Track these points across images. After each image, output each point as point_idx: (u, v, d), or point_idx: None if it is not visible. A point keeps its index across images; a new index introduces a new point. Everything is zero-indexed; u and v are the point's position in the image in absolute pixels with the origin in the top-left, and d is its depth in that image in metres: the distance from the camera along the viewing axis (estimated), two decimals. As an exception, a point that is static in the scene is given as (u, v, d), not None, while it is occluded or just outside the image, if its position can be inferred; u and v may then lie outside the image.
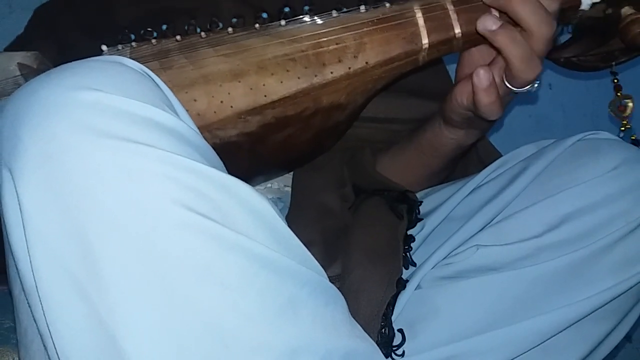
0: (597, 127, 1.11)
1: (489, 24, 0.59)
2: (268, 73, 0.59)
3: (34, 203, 0.42)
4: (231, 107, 0.58)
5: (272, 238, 0.46)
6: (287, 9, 0.61)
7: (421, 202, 0.69)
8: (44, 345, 0.46)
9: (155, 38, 0.61)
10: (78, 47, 0.76)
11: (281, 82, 0.59)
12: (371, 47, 0.60)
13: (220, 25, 0.61)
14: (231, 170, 0.46)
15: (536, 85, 0.62)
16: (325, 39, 0.60)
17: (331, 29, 0.60)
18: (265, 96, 0.59)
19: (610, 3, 0.62)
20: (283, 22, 0.60)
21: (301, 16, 0.60)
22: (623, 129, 0.67)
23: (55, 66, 0.47)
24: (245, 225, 0.44)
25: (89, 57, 0.48)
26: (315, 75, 0.59)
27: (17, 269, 0.45)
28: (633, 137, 0.68)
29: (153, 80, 0.48)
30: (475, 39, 0.61)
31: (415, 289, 0.62)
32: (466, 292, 0.60)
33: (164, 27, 0.62)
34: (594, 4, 0.62)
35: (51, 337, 0.43)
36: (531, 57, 0.59)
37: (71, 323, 0.43)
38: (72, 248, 0.42)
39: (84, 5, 0.82)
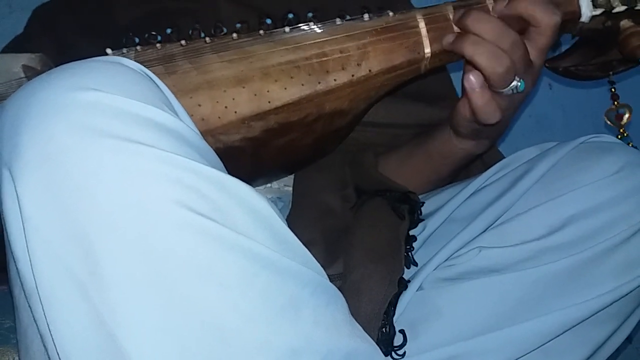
0: (597, 127, 1.11)
1: (447, 38, 0.61)
2: (272, 79, 0.59)
3: (33, 203, 0.42)
4: (235, 112, 0.59)
5: (273, 238, 0.46)
6: (291, 15, 0.61)
7: (423, 202, 0.69)
8: (44, 346, 0.45)
9: (159, 42, 0.61)
10: (77, 47, 0.76)
11: (285, 88, 0.59)
12: (374, 56, 0.60)
13: (225, 30, 0.61)
14: (233, 174, 0.46)
15: (519, 83, 0.61)
16: (329, 47, 0.60)
17: (335, 36, 0.60)
18: (269, 102, 0.59)
19: (609, 15, 0.63)
20: (287, 29, 0.61)
21: (305, 23, 0.61)
22: (620, 137, 0.68)
23: (55, 67, 0.47)
24: (246, 226, 0.44)
25: (89, 57, 0.48)
26: (319, 83, 0.60)
27: (17, 269, 0.45)
28: (630, 144, 0.68)
29: (153, 80, 0.48)
30: None
31: (417, 290, 0.62)
32: (468, 293, 0.61)
33: (169, 30, 0.62)
34: (593, 16, 0.62)
35: (52, 337, 0.43)
36: (493, 51, 0.58)
37: (72, 323, 0.43)
38: (72, 248, 0.42)
39: (83, 5, 0.82)
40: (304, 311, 0.46)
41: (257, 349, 0.43)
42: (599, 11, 0.62)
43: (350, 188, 0.71)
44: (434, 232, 0.68)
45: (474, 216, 0.64)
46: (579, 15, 0.62)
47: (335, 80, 0.60)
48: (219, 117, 0.59)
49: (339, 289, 0.50)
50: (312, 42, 0.60)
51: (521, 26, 0.61)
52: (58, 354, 0.43)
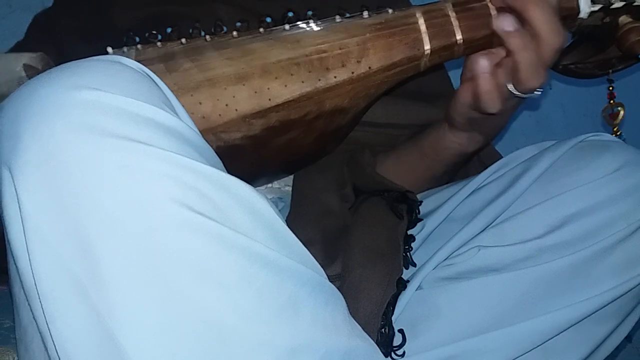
0: (597, 127, 1.11)
1: (506, 24, 0.59)
2: (272, 77, 0.59)
3: (33, 202, 0.42)
4: (236, 110, 0.59)
5: (272, 238, 0.46)
6: (290, 14, 0.62)
7: (421, 202, 0.69)
8: (44, 344, 0.45)
9: (160, 40, 0.62)
10: (77, 51, 0.75)
11: (285, 85, 0.59)
12: (374, 53, 0.60)
13: (225, 28, 0.62)
14: (234, 172, 0.46)
15: (539, 92, 0.62)
16: (329, 44, 0.60)
17: (335, 34, 0.60)
18: (269, 100, 0.59)
19: (608, 11, 0.63)
20: (287, 27, 0.61)
21: (305, 21, 0.61)
22: (614, 135, 0.68)
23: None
24: (245, 225, 0.44)
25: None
26: (319, 80, 0.60)
27: (16, 268, 0.45)
28: None
29: (152, 79, 0.48)
30: (477, 45, 0.62)
31: (417, 290, 0.62)
32: (467, 292, 0.61)
33: (169, 29, 0.62)
34: (592, 12, 0.62)
35: (51, 336, 0.43)
36: (539, 65, 0.59)
37: (71, 321, 0.43)
38: (71, 247, 0.42)
39: (83, 10, 0.82)
40: (302, 311, 0.46)
41: (255, 348, 0.43)
42: (597, 7, 0.62)
43: (348, 188, 0.72)
44: (432, 232, 0.68)
45: (473, 215, 0.64)
46: (578, 11, 0.62)
47: (335, 77, 0.60)
48: (220, 115, 0.59)
49: (338, 289, 0.50)
50: (312, 39, 0.60)
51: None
52: (57, 352, 0.43)
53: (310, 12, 0.61)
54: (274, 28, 0.61)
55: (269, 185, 0.74)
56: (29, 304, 0.45)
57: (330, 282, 0.49)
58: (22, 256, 0.44)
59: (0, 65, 0.64)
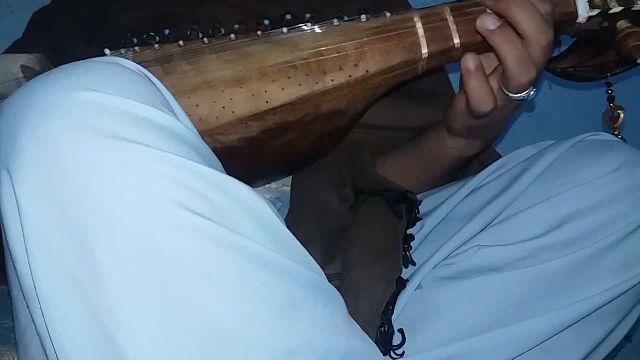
0: (597, 127, 1.11)
1: (488, 23, 0.60)
2: (270, 80, 0.59)
3: (32, 203, 0.42)
4: (233, 112, 0.59)
5: (271, 238, 0.46)
6: (288, 17, 0.62)
7: (421, 202, 0.70)
8: (43, 346, 0.45)
9: (158, 43, 0.62)
10: (77, 51, 0.76)
11: (283, 89, 0.59)
12: (372, 56, 0.61)
13: (223, 31, 0.62)
14: (232, 174, 0.46)
15: (532, 93, 0.62)
16: (326, 47, 0.60)
17: (333, 37, 0.60)
18: (266, 102, 0.59)
19: (606, 16, 0.63)
20: (285, 30, 0.61)
21: (303, 24, 0.61)
22: None
23: (54, 68, 0.47)
24: (243, 226, 0.44)
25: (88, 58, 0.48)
26: (317, 83, 0.60)
27: (15, 269, 0.45)
28: None
29: (151, 81, 0.48)
30: (475, 49, 0.62)
31: (416, 289, 0.62)
32: (467, 292, 0.61)
33: (167, 31, 0.62)
34: (590, 17, 0.62)
35: (50, 337, 0.43)
36: (526, 61, 0.59)
37: (70, 323, 0.43)
38: (70, 248, 0.42)
39: (82, 9, 0.82)
40: (302, 311, 0.46)
41: (254, 349, 0.43)
42: (595, 12, 0.62)
43: (348, 188, 0.72)
44: (432, 231, 0.68)
45: (472, 215, 0.64)
46: (576, 16, 0.62)
47: (332, 80, 0.60)
48: (217, 118, 0.59)
49: (337, 288, 0.50)
50: (310, 42, 0.60)
51: None
52: (56, 354, 0.43)
53: (308, 15, 0.61)
54: (272, 31, 0.61)
55: (268, 185, 0.74)
56: (27, 306, 0.46)
57: (330, 281, 0.49)
58: (21, 258, 0.44)
59: (-2, 67, 0.64)
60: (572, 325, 0.59)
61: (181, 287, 0.42)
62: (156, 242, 0.42)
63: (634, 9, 0.62)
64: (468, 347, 0.59)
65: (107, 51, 0.62)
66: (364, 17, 0.61)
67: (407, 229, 0.66)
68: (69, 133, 0.42)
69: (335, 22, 0.61)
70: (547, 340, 0.59)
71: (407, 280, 0.63)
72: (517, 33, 0.60)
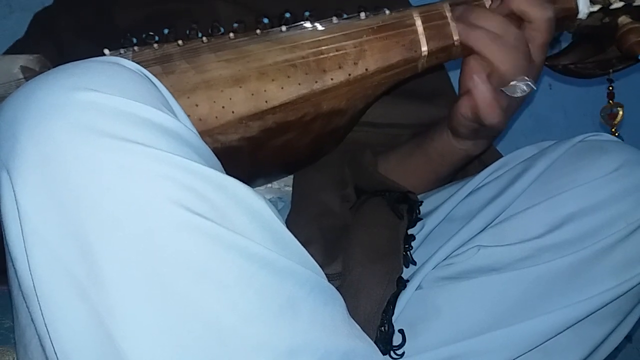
0: (597, 127, 1.11)
1: (460, 29, 0.61)
2: (269, 79, 0.59)
3: (31, 203, 0.42)
4: (232, 112, 0.59)
5: (270, 238, 0.46)
6: (288, 15, 0.61)
7: (421, 202, 0.69)
8: (42, 346, 0.45)
9: (157, 42, 0.61)
10: (77, 50, 0.76)
11: (282, 88, 0.59)
12: (371, 54, 0.60)
13: (222, 30, 0.62)
14: (232, 174, 0.46)
15: (525, 87, 0.62)
16: (325, 46, 0.60)
17: (332, 35, 0.60)
18: (266, 102, 0.59)
19: (607, 12, 0.63)
20: (284, 28, 0.61)
21: (302, 22, 0.61)
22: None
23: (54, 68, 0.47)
24: (243, 226, 0.44)
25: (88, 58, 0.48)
26: (316, 82, 0.60)
27: (14, 270, 0.45)
28: None
29: (151, 80, 0.48)
30: None
31: (416, 289, 0.62)
32: (467, 292, 0.61)
33: (166, 31, 0.62)
34: (591, 13, 0.62)
35: (49, 337, 0.43)
36: (507, 50, 0.60)
37: (70, 323, 0.43)
38: (71, 248, 0.42)
39: (84, 8, 0.82)
40: (301, 311, 0.46)
41: (255, 349, 0.43)
42: (596, 8, 0.62)
43: (349, 187, 0.71)
44: (432, 231, 0.67)
45: (472, 215, 0.64)
46: (576, 12, 0.62)
47: (332, 79, 0.60)
48: (217, 117, 0.59)
49: (338, 288, 0.50)
50: (309, 41, 0.60)
51: (516, 25, 0.61)
52: (56, 354, 0.43)
53: (307, 13, 0.61)
54: (271, 29, 0.61)
55: (269, 185, 0.73)
56: (26, 306, 0.45)
57: (330, 280, 0.49)
58: (21, 258, 0.44)
59: (-2, 67, 0.64)
60: (572, 325, 0.59)
61: (181, 287, 0.42)
62: (156, 242, 0.42)
63: (635, 4, 0.62)
64: (468, 347, 0.59)
65: (106, 51, 0.62)
66: (363, 14, 0.61)
67: (407, 229, 0.66)
68: (69, 133, 0.42)
69: (334, 20, 0.61)
70: (547, 341, 0.59)
71: (408, 280, 0.63)
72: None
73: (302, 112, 0.60)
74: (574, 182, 0.60)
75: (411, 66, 0.62)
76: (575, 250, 0.58)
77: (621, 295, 0.59)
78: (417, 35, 0.61)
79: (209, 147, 0.48)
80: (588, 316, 0.59)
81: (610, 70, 0.67)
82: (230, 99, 0.58)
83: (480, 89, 0.61)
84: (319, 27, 0.61)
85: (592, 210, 0.59)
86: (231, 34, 0.61)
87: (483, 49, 0.60)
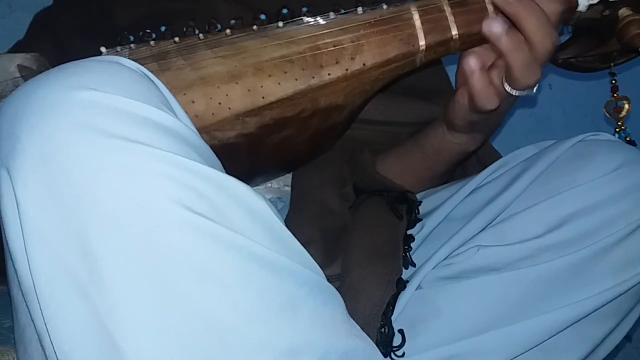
0: (597, 127, 1.11)
1: (495, 27, 0.59)
2: (265, 75, 0.59)
3: (32, 203, 0.42)
4: (229, 108, 0.58)
5: (270, 238, 0.46)
6: (285, 10, 0.61)
7: (421, 202, 0.69)
8: (42, 345, 0.45)
9: (153, 39, 0.61)
10: (77, 49, 0.76)
11: (279, 83, 0.59)
12: (368, 49, 0.60)
13: (219, 26, 0.61)
14: (230, 171, 0.46)
15: (535, 89, 0.62)
16: (322, 41, 0.60)
17: (329, 30, 0.60)
18: (263, 98, 0.59)
19: (607, 4, 0.62)
20: (281, 24, 0.61)
21: (299, 17, 0.61)
22: (618, 129, 0.68)
23: (53, 67, 0.47)
24: (243, 225, 0.44)
25: (88, 57, 0.48)
26: (313, 77, 0.59)
27: (14, 269, 0.45)
28: (628, 138, 0.68)
29: (151, 80, 0.48)
30: (473, 40, 0.61)
31: (416, 289, 0.62)
32: (467, 292, 0.61)
33: (163, 28, 0.62)
34: (591, 5, 0.62)
35: (49, 336, 0.43)
36: (532, 64, 0.59)
37: (70, 322, 0.43)
38: (71, 247, 0.42)
39: (84, 7, 0.82)
40: (301, 311, 0.46)
41: (255, 349, 0.43)
42: (596, 0, 0.61)
43: (349, 187, 0.71)
44: (432, 231, 0.67)
45: (472, 215, 0.64)
46: (576, 4, 0.62)
47: (329, 74, 0.60)
48: (213, 114, 0.58)
49: (337, 289, 0.50)
50: (306, 36, 0.60)
51: None
52: (56, 353, 0.43)
53: (304, 9, 0.61)
54: (267, 25, 0.61)
55: (268, 185, 0.73)
56: (26, 305, 0.45)
57: (330, 282, 0.49)
58: (21, 258, 0.44)
59: (-6, 66, 0.64)
60: (572, 325, 0.59)
61: (181, 286, 0.42)
62: (156, 241, 0.42)
63: (635, -5, 0.61)
64: (468, 347, 0.59)
65: (102, 49, 0.62)
66: (360, 9, 0.61)
67: (407, 229, 0.66)
68: (69, 132, 0.42)
69: (332, 14, 0.61)
70: (547, 340, 0.59)
71: (407, 281, 0.63)
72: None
73: (299, 108, 0.60)
74: (573, 181, 0.60)
75: (409, 60, 0.61)
76: (575, 250, 0.59)
77: (621, 295, 0.59)
78: (415, 30, 0.60)
79: (206, 144, 0.48)
80: (588, 315, 0.59)
81: (612, 64, 0.66)
82: (227, 95, 0.58)
83: (476, 75, 0.61)
84: (316, 22, 0.61)
85: (591, 210, 0.59)
86: (228, 31, 0.61)
87: (524, 17, 0.58)
